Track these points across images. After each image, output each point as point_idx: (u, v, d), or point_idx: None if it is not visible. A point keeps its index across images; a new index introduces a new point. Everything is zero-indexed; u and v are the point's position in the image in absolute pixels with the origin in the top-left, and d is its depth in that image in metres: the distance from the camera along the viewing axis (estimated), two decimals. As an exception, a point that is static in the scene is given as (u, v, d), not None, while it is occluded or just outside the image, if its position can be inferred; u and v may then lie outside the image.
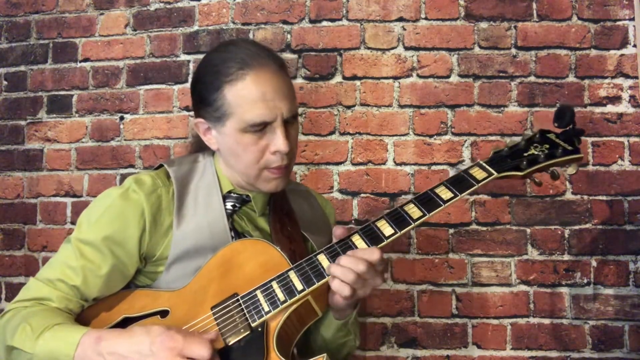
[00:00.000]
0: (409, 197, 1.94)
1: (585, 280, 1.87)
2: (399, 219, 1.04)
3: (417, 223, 1.03)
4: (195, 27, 2.10)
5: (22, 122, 2.17)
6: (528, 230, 1.90)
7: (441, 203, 1.04)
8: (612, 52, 1.93)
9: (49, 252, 2.09)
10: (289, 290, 1.02)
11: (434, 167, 1.95)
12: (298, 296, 1.01)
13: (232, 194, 1.19)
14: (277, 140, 1.09)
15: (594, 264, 1.88)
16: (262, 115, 1.07)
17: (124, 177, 2.07)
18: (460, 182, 1.06)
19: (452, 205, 1.90)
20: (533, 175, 1.09)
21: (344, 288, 0.99)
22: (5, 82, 2.20)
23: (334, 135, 2.00)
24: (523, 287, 1.89)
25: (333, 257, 1.03)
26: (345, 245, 1.04)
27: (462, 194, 1.04)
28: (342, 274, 0.99)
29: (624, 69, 1.92)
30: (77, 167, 2.12)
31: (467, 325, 1.89)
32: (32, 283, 1.08)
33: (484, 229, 1.92)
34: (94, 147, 2.12)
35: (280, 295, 1.01)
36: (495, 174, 1.06)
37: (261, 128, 1.08)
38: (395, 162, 1.97)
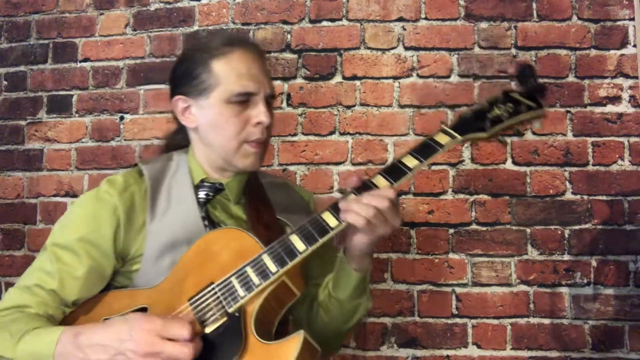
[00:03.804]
0: (410, 196, 1.94)
1: (585, 280, 1.87)
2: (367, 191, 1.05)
3: None
4: (195, 27, 2.10)
5: (22, 122, 2.17)
6: (528, 230, 1.90)
7: (407, 171, 1.06)
8: (612, 52, 1.93)
9: (49, 252, 2.09)
10: (263, 273, 1.02)
11: (434, 167, 1.95)
12: (272, 278, 1.01)
13: (205, 183, 1.20)
14: (260, 112, 1.14)
15: (594, 264, 1.88)
16: (248, 85, 1.14)
17: (124, 177, 2.07)
18: (425, 149, 1.08)
19: (452, 204, 1.92)
20: (499, 135, 1.10)
21: (359, 219, 1.00)
22: (5, 82, 2.20)
23: (334, 135, 2.00)
24: (523, 287, 1.89)
25: (305, 236, 1.03)
26: (316, 222, 1.04)
27: (427, 160, 1.06)
28: (359, 208, 1.01)
29: (624, 69, 1.92)
30: (77, 167, 2.12)
31: (467, 325, 1.89)
32: (9, 292, 1.08)
33: (484, 229, 1.92)
34: (94, 147, 2.12)
35: (255, 279, 1.02)
36: (459, 137, 1.08)
37: (245, 99, 1.14)
38: (395, 162, 1.97)
